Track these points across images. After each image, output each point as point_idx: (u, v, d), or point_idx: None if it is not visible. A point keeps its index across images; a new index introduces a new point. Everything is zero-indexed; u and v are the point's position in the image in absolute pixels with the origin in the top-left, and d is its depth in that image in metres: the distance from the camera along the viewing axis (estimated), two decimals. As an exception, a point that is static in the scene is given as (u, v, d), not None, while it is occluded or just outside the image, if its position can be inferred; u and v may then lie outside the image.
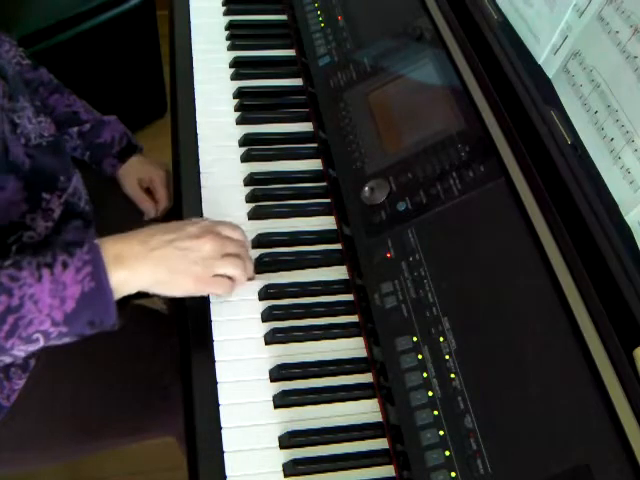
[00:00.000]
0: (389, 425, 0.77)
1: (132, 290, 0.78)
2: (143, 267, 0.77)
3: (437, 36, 0.95)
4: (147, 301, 1.13)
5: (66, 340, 0.77)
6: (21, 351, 0.75)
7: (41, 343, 0.75)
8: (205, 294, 0.84)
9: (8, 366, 0.90)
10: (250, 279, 0.87)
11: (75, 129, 1.12)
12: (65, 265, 0.74)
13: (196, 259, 0.79)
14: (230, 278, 0.83)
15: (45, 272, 0.73)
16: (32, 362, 0.93)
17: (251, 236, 0.92)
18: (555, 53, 0.84)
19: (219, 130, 1.04)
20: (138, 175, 1.16)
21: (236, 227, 0.87)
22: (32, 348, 0.75)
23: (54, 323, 0.74)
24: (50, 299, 0.73)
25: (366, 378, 0.82)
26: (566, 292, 0.70)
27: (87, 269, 0.74)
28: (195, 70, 1.11)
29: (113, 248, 0.77)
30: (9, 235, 0.87)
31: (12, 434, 0.95)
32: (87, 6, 1.74)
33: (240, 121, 1.05)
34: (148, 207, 1.15)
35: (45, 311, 0.73)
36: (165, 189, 1.16)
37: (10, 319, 0.72)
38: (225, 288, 0.83)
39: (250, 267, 0.86)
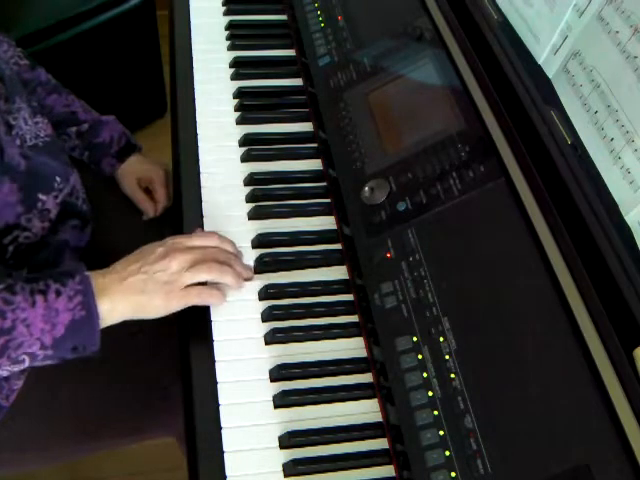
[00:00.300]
0: (389, 425, 0.77)
1: (116, 319, 0.82)
2: (120, 297, 0.81)
3: (437, 36, 0.95)
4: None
5: (47, 362, 0.80)
6: (5, 371, 0.79)
7: (26, 364, 0.78)
8: (185, 307, 0.84)
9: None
10: (247, 279, 0.88)
11: (73, 129, 1.12)
12: (58, 293, 0.78)
13: (164, 277, 0.82)
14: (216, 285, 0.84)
15: (39, 298, 0.77)
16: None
17: (251, 236, 0.92)
18: (555, 53, 0.84)
19: (219, 130, 1.04)
20: (137, 175, 1.16)
21: (210, 234, 0.88)
22: (16, 368, 0.79)
23: (43, 347, 0.77)
24: (42, 324, 0.77)
25: (366, 378, 0.82)
26: (566, 292, 0.70)
27: (79, 298, 0.78)
28: (195, 70, 1.11)
29: (100, 280, 0.81)
30: (5, 236, 0.87)
31: (11, 434, 0.95)
32: (87, 6, 1.73)
33: (240, 121, 1.05)
34: (147, 207, 1.15)
35: (36, 335, 0.77)
36: (164, 189, 1.16)
37: (1, 340, 0.75)
38: (206, 296, 0.84)
39: (239, 269, 0.86)
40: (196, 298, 0.84)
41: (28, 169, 0.89)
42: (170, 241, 0.86)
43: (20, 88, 0.95)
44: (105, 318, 0.80)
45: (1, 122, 0.86)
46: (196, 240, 0.86)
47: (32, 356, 0.78)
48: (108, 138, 1.13)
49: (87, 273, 0.81)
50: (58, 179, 0.93)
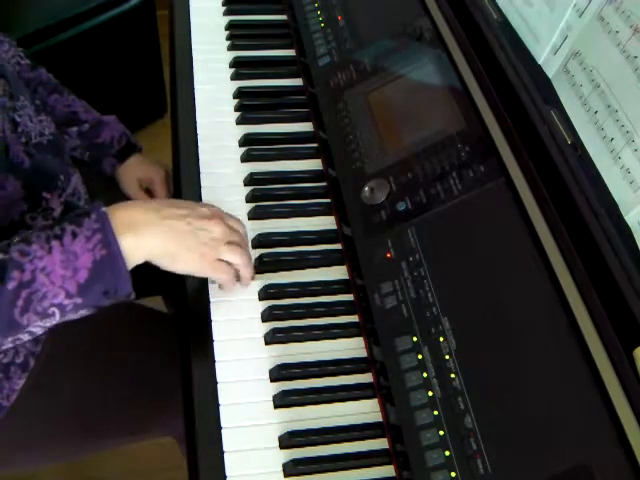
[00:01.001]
0: (389, 425, 0.77)
1: (141, 258, 0.77)
2: (153, 233, 0.77)
3: (437, 36, 0.95)
4: (148, 301, 1.13)
5: (83, 313, 0.76)
6: (38, 327, 0.75)
7: (57, 317, 0.74)
8: (207, 276, 0.84)
9: (8, 365, 0.90)
10: (251, 279, 0.88)
11: (74, 129, 1.12)
12: (74, 235, 0.74)
13: (205, 239, 0.80)
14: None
15: (55, 243, 0.73)
16: (32, 361, 0.93)
17: (251, 236, 0.92)
18: (555, 53, 0.84)
19: (219, 130, 1.04)
20: (137, 175, 1.16)
21: (241, 223, 0.88)
22: (48, 323, 0.75)
23: (68, 295, 0.73)
24: (62, 270, 0.73)
25: (366, 378, 0.82)
26: (566, 292, 0.70)
27: (97, 237, 0.74)
28: (195, 70, 1.11)
29: (122, 215, 0.76)
30: (9, 235, 0.87)
31: (12, 434, 0.95)
32: (87, 6, 1.74)
33: (240, 121, 1.05)
34: (148, 207, 1.15)
35: (58, 283, 0.73)
36: (164, 189, 1.16)
37: (24, 294, 0.71)
38: (228, 274, 0.83)
39: (251, 264, 0.87)
40: (223, 274, 0.83)
41: (32, 167, 0.88)
42: (210, 206, 0.85)
43: (23, 87, 0.95)
44: (129, 256, 0.75)
45: (6, 119, 0.86)
46: (232, 221, 0.86)
47: (60, 307, 0.74)
48: (109, 138, 1.13)
49: (104, 209, 0.76)
50: (61, 177, 0.94)
